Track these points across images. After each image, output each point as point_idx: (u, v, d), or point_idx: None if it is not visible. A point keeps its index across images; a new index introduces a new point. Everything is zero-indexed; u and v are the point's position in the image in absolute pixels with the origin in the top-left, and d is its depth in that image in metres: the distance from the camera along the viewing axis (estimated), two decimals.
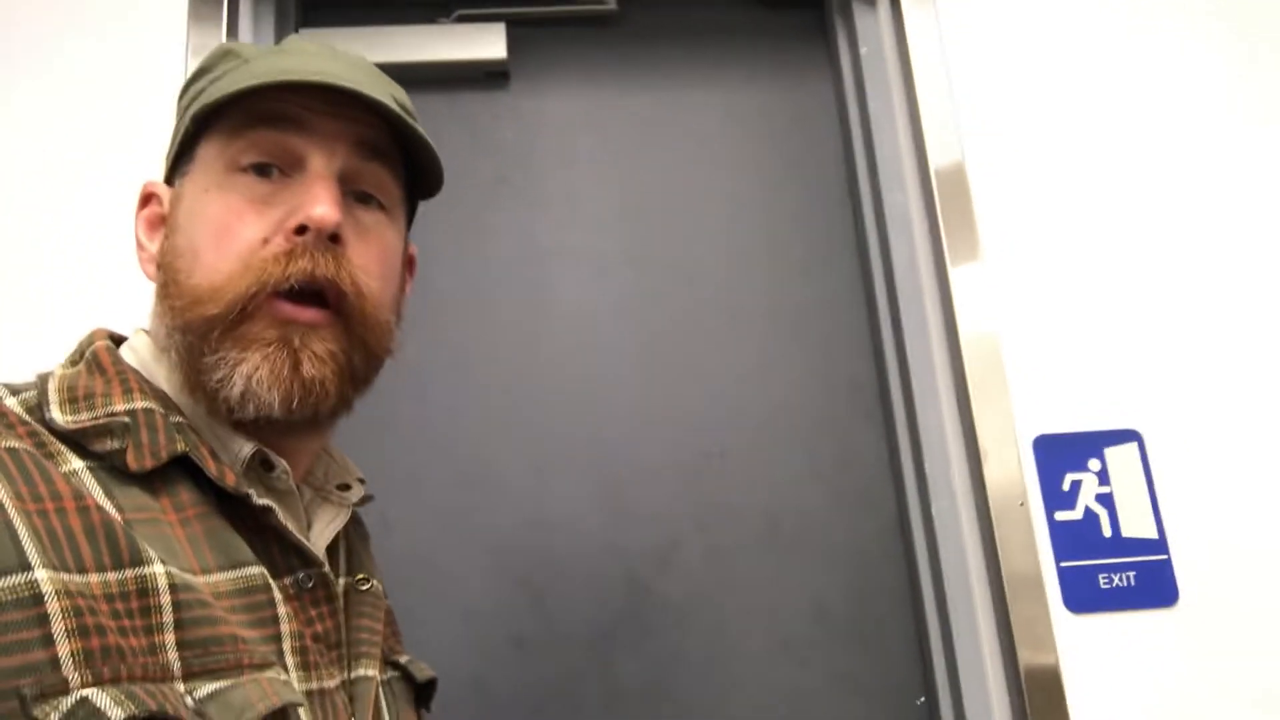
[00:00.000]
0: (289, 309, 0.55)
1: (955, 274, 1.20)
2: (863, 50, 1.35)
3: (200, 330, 0.55)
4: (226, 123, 0.59)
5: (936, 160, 1.25)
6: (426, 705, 0.73)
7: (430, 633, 1.15)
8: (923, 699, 1.17)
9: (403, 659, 0.69)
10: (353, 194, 0.61)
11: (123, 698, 0.41)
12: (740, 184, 1.36)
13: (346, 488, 0.67)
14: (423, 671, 0.71)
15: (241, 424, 0.57)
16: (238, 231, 0.56)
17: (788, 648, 1.18)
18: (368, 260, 0.60)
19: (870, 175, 1.33)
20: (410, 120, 0.61)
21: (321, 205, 0.56)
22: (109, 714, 0.40)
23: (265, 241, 0.56)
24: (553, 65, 1.39)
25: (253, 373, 0.54)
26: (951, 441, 1.17)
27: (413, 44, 1.30)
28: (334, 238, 0.57)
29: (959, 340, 1.17)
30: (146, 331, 0.61)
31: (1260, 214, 1.24)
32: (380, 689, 0.62)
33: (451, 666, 1.14)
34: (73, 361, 0.58)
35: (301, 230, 0.56)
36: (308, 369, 0.55)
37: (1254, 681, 1.05)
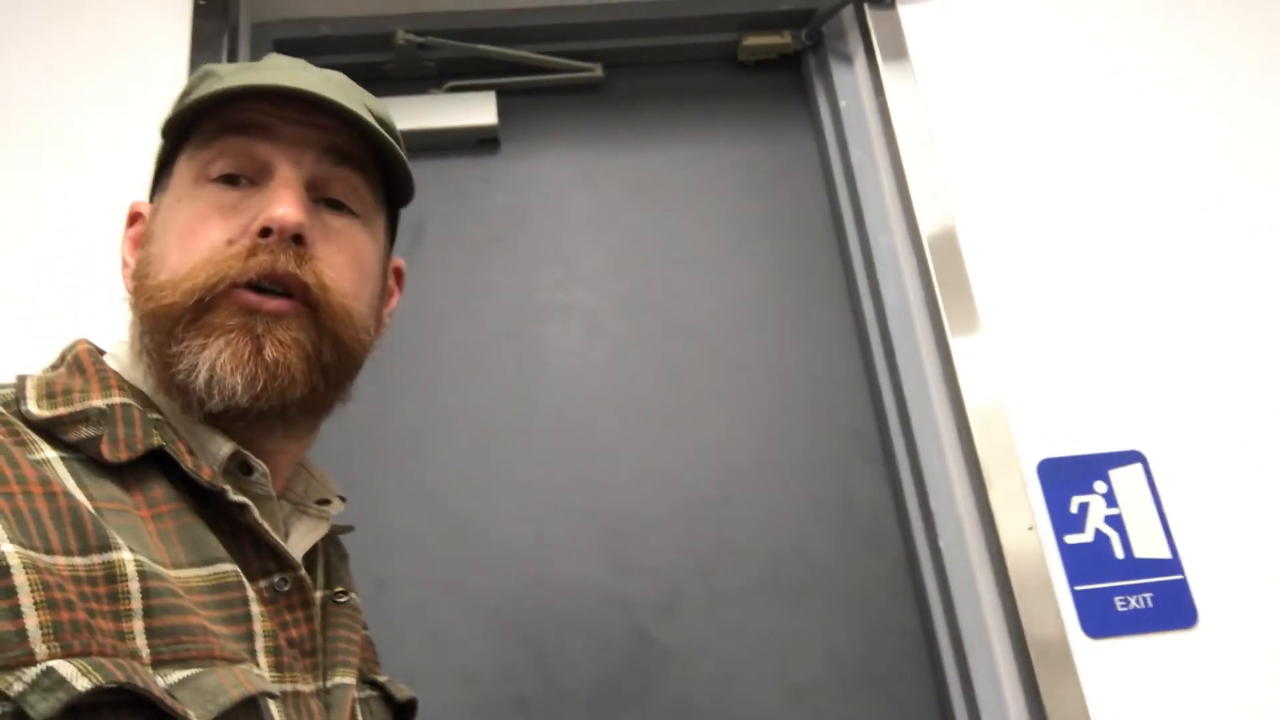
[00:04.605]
0: (252, 298, 0.55)
1: (947, 310, 1.21)
2: (842, 104, 1.40)
3: (165, 324, 0.55)
4: (198, 136, 0.60)
5: (921, 203, 1.27)
6: None
7: (430, 696, 1.09)
8: None
9: (381, 678, 0.67)
10: (323, 201, 0.61)
11: (90, 669, 0.39)
12: (729, 238, 1.39)
13: (326, 503, 0.66)
14: (402, 691, 0.69)
15: (218, 423, 0.56)
16: (203, 234, 0.57)
17: (799, 696, 1.14)
18: (335, 261, 0.59)
19: (856, 222, 1.36)
20: (375, 126, 0.61)
21: (283, 206, 0.56)
22: (75, 684, 0.38)
23: (229, 243, 0.57)
24: (542, 130, 1.43)
25: (216, 358, 0.54)
26: (954, 472, 1.15)
27: (406, 113, 1.34)
28: (298, 239, 0.57)
29: (955, 371, 1.17)
30: (127, 343, 0.62)
31: (1251, 230, 1.26)
32: (357, 705, 0.60)
33: None
34: (54, 366, 0.58)
35: (266, 233, 0.56)
36: (270, 352, 0.55)
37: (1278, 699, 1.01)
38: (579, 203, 1.40)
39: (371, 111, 0.62)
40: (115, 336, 0.63)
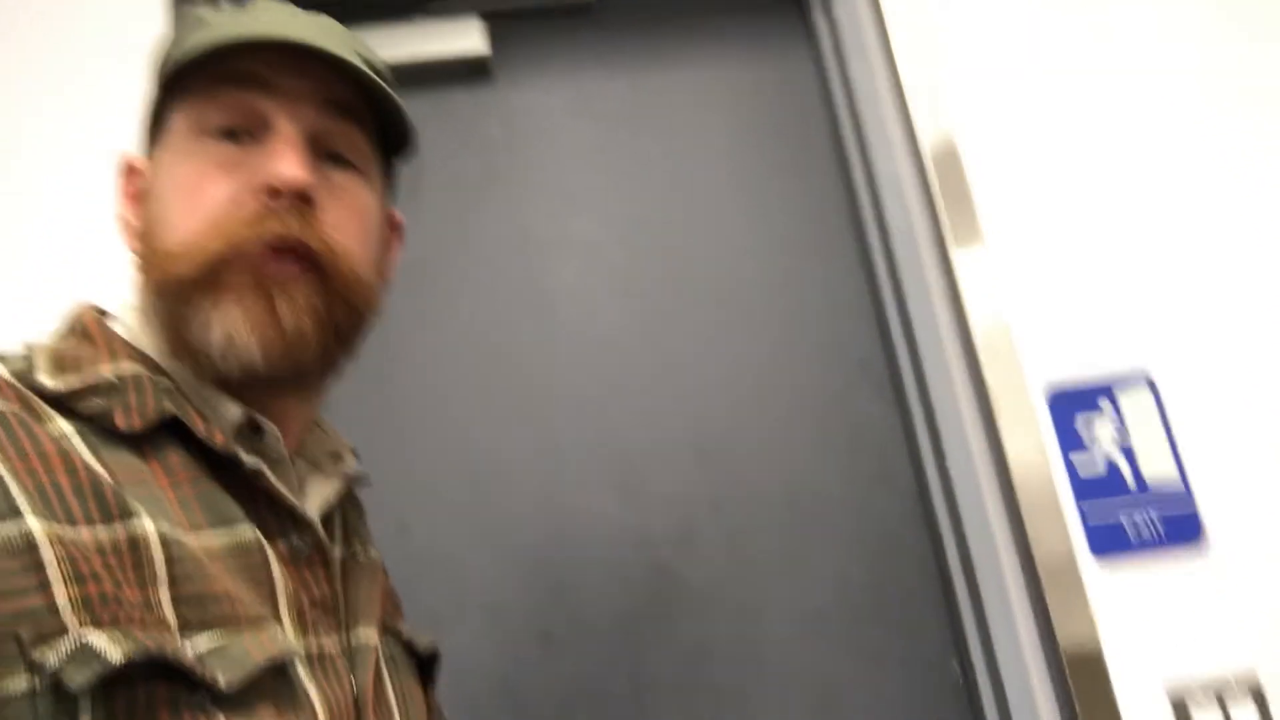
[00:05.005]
0: (265, 262, 0.55)
1: (952, 233, 1.19)
2: (839, 16, 1.35)
3: (176, 291, 0.55)
4: (192, 87, 0.59)
5: (924, 123, 1.24)
6: (432, 680, 0.72)
7: (456, 633, 1.13)
8: (958, 668, 1.15)
9: (404, 631, 0.68)
10: (324, 155, 0.60)
11: (122, 639, 0.40)
12: (729, 162, 1.36)
13: (338, 458, 0.67)
14: (424, 641, 0.70)
15: (229, 387, 0.56)
16: (207, 193, 0.56)
17: (815, 627, 1.16)
18: (342, 220, 0.59)
19: (859, 145, 1.33)
20: (374, 77, 0.60)
21: (290, 167, 0.56)
22: (109, 656, 0.39)
23: (235, 202, 0.56)
24: (534, 57, 1.38)
25: (232, 323, 0.54)
26: (962, 398, 1.15)
27: (390, 43, 1.29)
28: (305, 199, 0.56)
29: (960, 296, 1.16)
30: (133, 307, 0.61)
31: (1267, 143, 1.23)
32: (381, 660, 0.61)
33: (478, 665, 1.12)
34: (60, 334, 0.57)
35: (271, 193, 0.55)
36: (286, 316, 0.55)
37: None
38: (576, 132, 1.36)
39: (364, 59, 0.61)
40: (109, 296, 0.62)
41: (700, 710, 1.13)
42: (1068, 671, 1.00)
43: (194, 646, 0.44)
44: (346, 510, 0.67)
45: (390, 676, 0.62)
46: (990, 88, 1.25)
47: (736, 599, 1.17)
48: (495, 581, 1.16)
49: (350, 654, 0.56)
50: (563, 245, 1.31)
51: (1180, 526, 1.07)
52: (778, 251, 1.32)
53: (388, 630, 0.65)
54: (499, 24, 1.36)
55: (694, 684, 1.13)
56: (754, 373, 1.26)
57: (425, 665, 0.70)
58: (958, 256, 1.17)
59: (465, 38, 1.33)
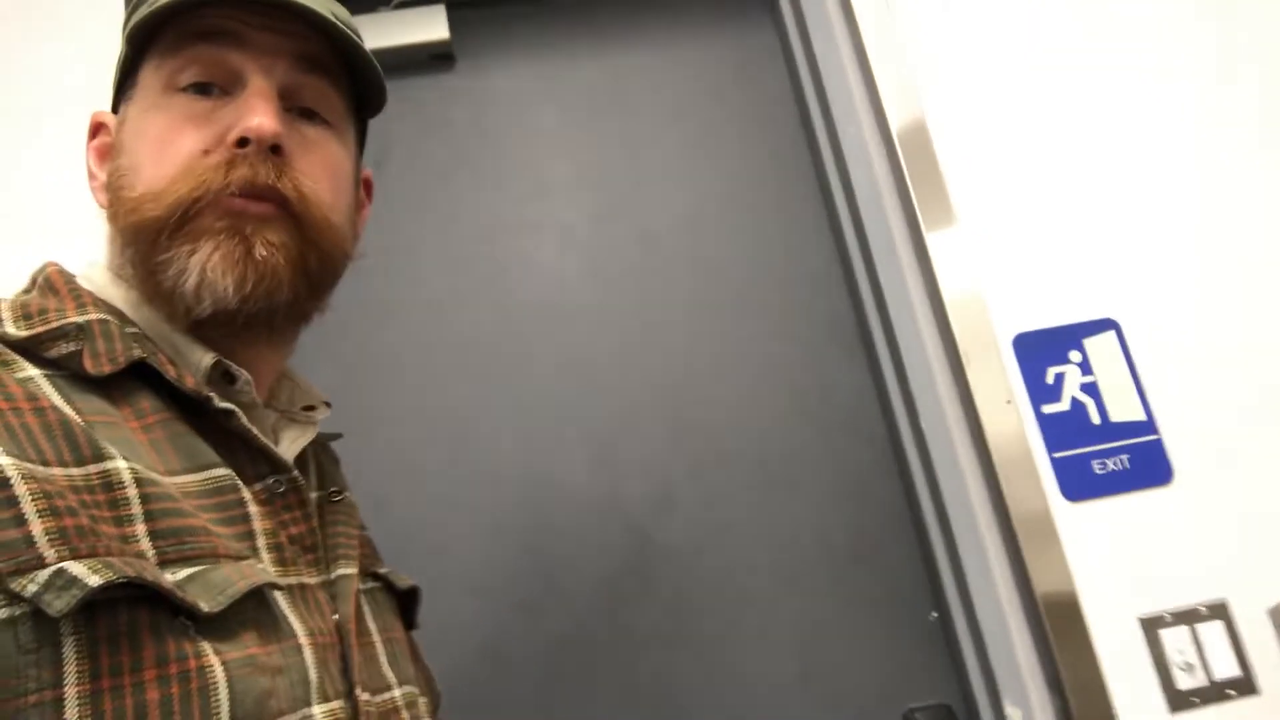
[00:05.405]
0: (238, 203, 0.55)
1: (918, 191, 1.20)
2: None
3: (149, 235, 0.55)
4: (163, 42, 0.59)
5: (888, 89, 1.25)
6: (413, 619, 0.73)
7: (438, 607, 1.12)
8: (935, 613, 1.16)
9: (383, 570, 0.69)
10: (295, 110, 0.60)
11: (100, 566, 0.40)
12: (696, 139, 1.37)
13: (312, 409, 0.67)
14: (403, 580, 0.70)
15: (200, 331, 0.57)
16: (178, 144, 0.56)
17: (794, 581, 1.18)
18: (313, 170, 0.59)
19: (823, 113, 1.34)
20: (349, 33, 0.60)
21: (260, 117, 0.56)
22: (87, 580, 0.39)
23: (206, 153, 0.56)
24: (497, 42, 1.40)
25: (206, 260, 0.54)
26: (932, 352, 1.17)
27: None
28: (275, 150, 0.56)
29: (927, 250, 1.17)
30: (100, 265, 0.61)
31: (1219, 100, 1.25)
32: (362, 595, 0.61)
33: (463, 639, 1.13)
34: (25, 290, 0.57)
35: (242, 143, 0.56)
36: (260, 252, 0.55)
37: (1251, 544, 1.05)
38: (542, 115, 1.38)
39: (336, 16, 0.61)
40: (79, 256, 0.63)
41: (683, 662, 1.14)
42: (1042, 610, 1.02)
43: (174, 576, 0.44)
44: (321, 458, 0.68)
45: (372, 611, 0.63)
46: (954, 57, 1.27)
47: (714, 559, 1.18)
48: (474, 555, 1.17)
49: (330, 588, 0.56)
50: (532, 228, 1.33)
51: (1149, 466, 1.08)
52: (747, 224, 1.34)
53: (367, 573, 0.65)
54: (461, 10, 1.38)
55: (677, 643, 1.14)
56: (725, 342, 1.28)
57: (406, 604, 0.71)
58: (925, 216, 1.19)
59: (429, 24, 1.35)
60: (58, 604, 0.38)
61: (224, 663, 0.44)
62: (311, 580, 0.55)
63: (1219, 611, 1.01)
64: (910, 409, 1.19)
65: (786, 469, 1.22)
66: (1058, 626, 1.02)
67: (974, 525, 1.10)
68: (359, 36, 0.63)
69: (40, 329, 0.51)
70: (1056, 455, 1.09)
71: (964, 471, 1.12)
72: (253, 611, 0.47)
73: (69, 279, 0.57)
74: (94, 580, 0.39)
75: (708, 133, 1.38)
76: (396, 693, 0.59)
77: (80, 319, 0.52)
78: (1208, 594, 1.02)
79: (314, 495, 0.62)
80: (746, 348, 1.27)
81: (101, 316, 0.53)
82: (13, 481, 0.41)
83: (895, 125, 1.23)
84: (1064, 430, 1.10)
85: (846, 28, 1.32)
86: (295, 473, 0.57)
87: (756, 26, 1.44)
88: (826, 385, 1.26)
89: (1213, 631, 0.99)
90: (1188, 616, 1.01)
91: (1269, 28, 1.29)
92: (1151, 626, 1.00)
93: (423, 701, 0.64)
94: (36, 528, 0.40)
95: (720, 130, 1.38)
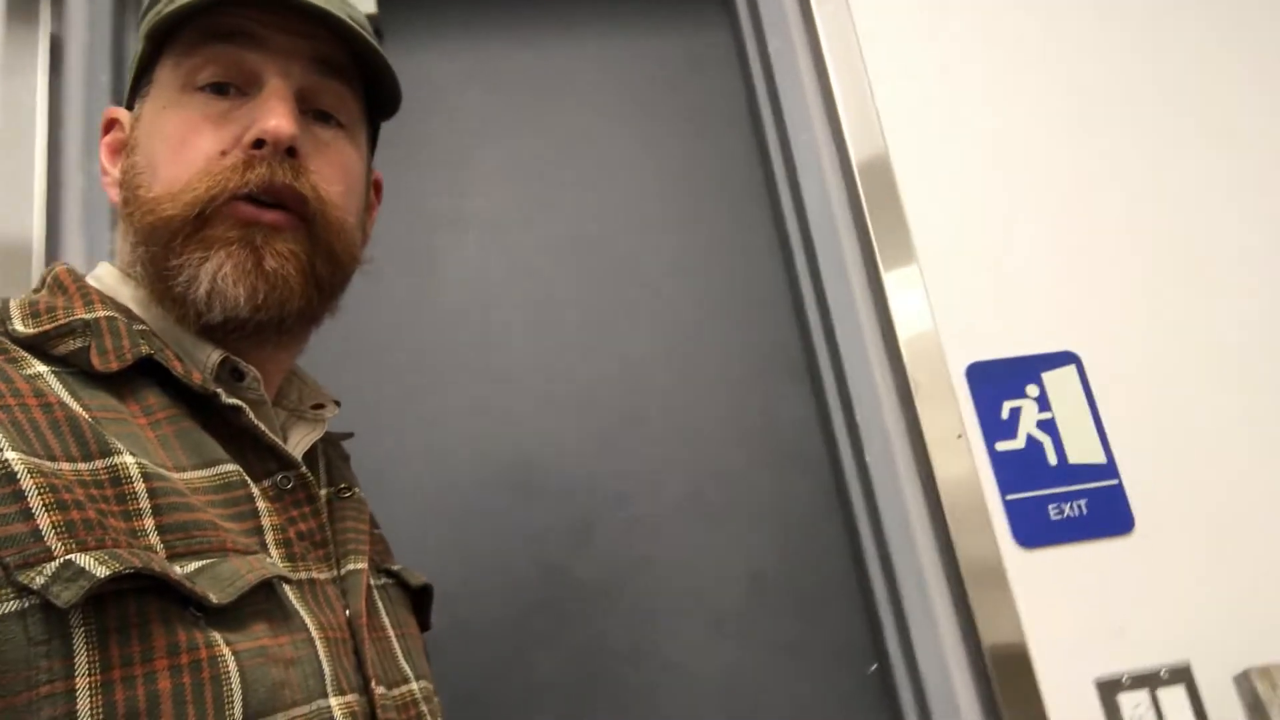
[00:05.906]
0: (251, 210, 0.56)
1: (870, 209, 1.12)
2: None
3: (163, 237, 0.56)
4: (182, 41, 0.60)
5: (843, 94, 1.18)
6: (427, 618, 0.72)
7: None
8: (875, 665, 1.07)
9: (395, 567, 0.68)
10: (311, 112, 0.61)
11: (107, 558, 0.40)
12: (641, 140, 1.28)
13: (321, 407, 0.67)
14: (416, 578, 0.70)
15: (209, 332, 0.57)
16: (195, 144, 0.57)
17: (723, 623, 1.07)
18: (327, 173, 0.60)
19: (775, 117, 1.26)
20: (367, 37, 0.61)
21: (277, 119, 0.56)
22: (94, 572, 0.39)
23: (223, 154, 0.57)
24: (429, 20, 1.29)
25: (217, 270, 0.55)
26: (879, 379, 1.08)
27: None
28: (291, 151, 0.57)
29: (880, 273, 1.09)
30: (109, 265, 0.62)
31: (1180, 133, 1.20)
32: (374, 590, 0.60)
33: None
34: (35, 289, 0.58)
35: (259, 145, 0.56)
36: (270, 263, 0.56)
37: (1216, 602, 0.98)
38: (473, 101, 1.27)
39: (353, 18, 0.61)
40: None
41: (598, 714, 1.02)
42: (990, 666, 0.93)
43: (182, 569, 0.44)
44: (330, 455, 0.68)
45: (384, 605, 0.62)
46: (912, 62, 1.20)
47: (637, 597, 1.07)
48: None
49: (341, 583, 0.56)
50: (458, 223, 1.22)
51: (1108, 513, 1.01)
52: (690, 232, 1.24)
53: (379, 569, 0.65)
54: None
55: (590, 690, 1.03)
56: (662, 359, 1.18)
57: (419, 602, 0.71)
58: (879, 238, 1.11)
59: None
60: (65, 595, 0.38)
61: (235, 653, 0.43)
62: (321, 576, 0.54)
63: (1181, 675, 0.93)
64: (855, 440, 1.10)
65: (721, 500, 1.12)
66: (1007, 685, 0.93)
67: (919, 570, 1.01)
68: (377, 41, 0.63)
69: (48, 326, 0.51)
70: (1009, 497, 1.01)
71: (910, 511, 1.03)
72: (263, 604, 0.47)
73: (78, 278, 0.58)
74: (101, 571, 0.39)
75: (652, 132, 1.28)
76: (414, 685, 0.59)
77: (88, 316, 0.53)
78: (1169, 656, 0.95)
79: (323, 492, 0.62)
80: (682, 366, 1.17)
81: (109, 314, 0.54)
82: (20, 476, 0.41)
83: (849, 133, 1.15)
84: (1018, 470, 1.02)
85: (803, 27, 1.25)
86: (304, 469, 0.57)
87: (709, 21, 1.35)
88: (767, 410, 1.16)
89: (1174, 697, 0.91)
90: (1148, 680, 0.93)
91: (1212, 64, 1.24)
92: (1109, 690, 0.92)
93: (438, 700, 0.64)
94: (44, 521, 0.40)
95: (666, 130, 1.29)
